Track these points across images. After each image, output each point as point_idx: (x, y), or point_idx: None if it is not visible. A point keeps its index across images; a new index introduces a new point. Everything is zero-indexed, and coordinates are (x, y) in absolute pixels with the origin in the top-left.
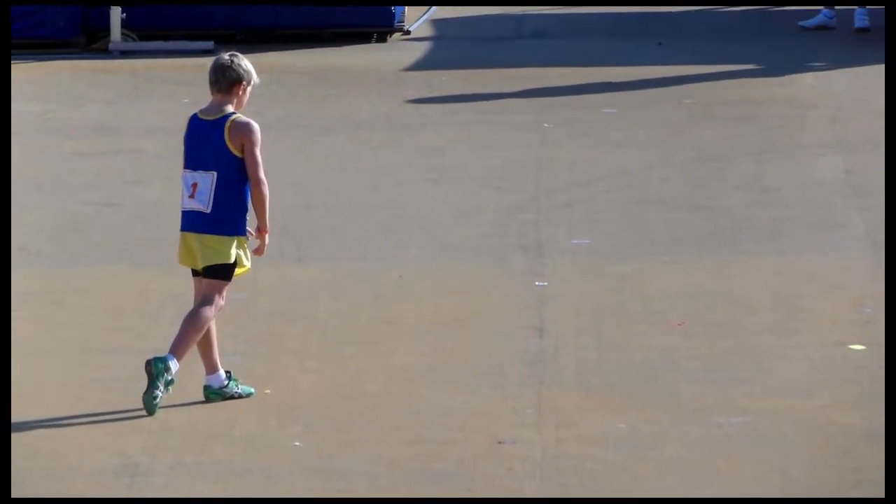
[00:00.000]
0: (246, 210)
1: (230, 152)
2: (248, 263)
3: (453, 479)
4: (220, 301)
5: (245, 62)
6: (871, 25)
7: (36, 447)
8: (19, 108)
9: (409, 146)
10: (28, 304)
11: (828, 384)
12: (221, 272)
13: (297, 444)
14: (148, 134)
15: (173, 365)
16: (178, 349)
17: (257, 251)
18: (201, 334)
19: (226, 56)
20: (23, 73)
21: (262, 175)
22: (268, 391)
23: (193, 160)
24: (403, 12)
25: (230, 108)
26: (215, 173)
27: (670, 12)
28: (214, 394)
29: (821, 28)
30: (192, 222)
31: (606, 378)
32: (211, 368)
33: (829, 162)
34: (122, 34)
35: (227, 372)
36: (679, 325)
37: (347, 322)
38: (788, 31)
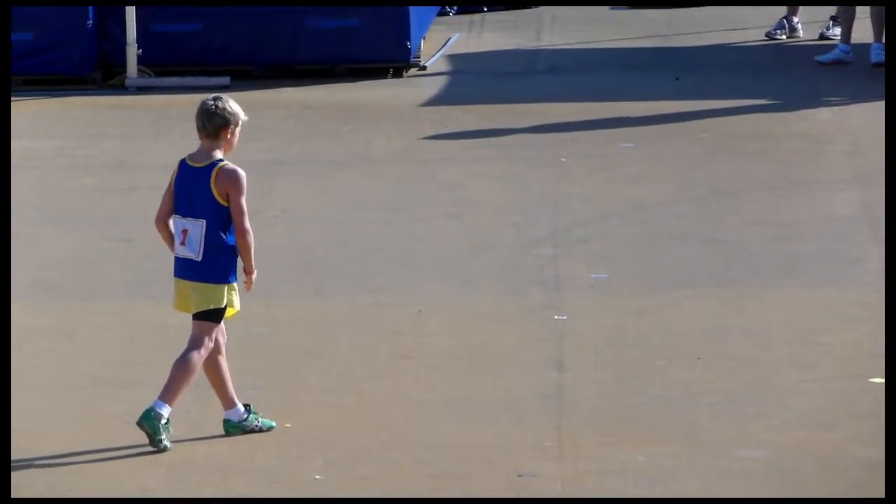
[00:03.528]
0: (236, 256)
1: (217, 201)
2: (237, 306)
3: None
4: (209, 343)
5: (231, 104)
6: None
7: (52, 482)
8: (36, 145)
9: (426, 181)
10: (44, 338)
11: (846, 417)
12: (212, 315)
13: (317, 477)
14: (165, 170)
15: (164, 412)
16: (167, 394)
17: (246, 285)
18: (192, 378)
19: (210, 100)
20: (39, 109)
21: (247, 224)
22: (288, 425)
23: (183, 207)
24: (419, 47)
25: (219, 154)
26: (204, 221)
27: (686, 47)
28: (234, 427)
29: (837, 63)
30: (185, 270)
31: (626, 412)
32: (228, 404)
33: (846, 196)
34: (139, 70)
35: (245, 405)
36: (698, 359)
37: (366, 357)
38: (805, 66)
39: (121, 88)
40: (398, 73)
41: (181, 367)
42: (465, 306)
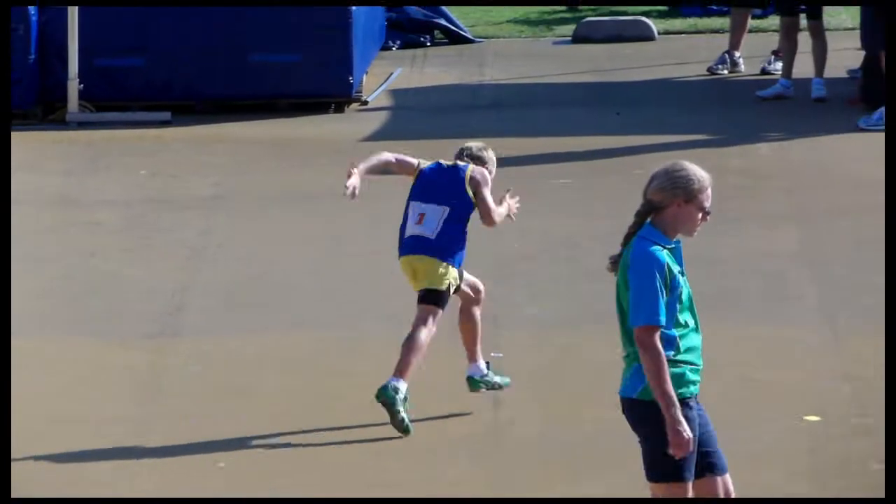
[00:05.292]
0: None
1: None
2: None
3: None
4: (432, 326)
5: None
6: (828, 95)
7: None
8: None
9: (367, 217)
10: None
11: (781, 455)
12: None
13: None
14: (106, 205)
15: (401, 385)
16: (401, 371)
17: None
18: (421, 355)
19: None
20: None
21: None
22: (221, 465)
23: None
24: (362, 82)
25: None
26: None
27: (628, 82)
28: (477, 383)
29: (778, 97)
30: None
31: (560, 449)
32: (472, 358)
33: (783, 233)
34: (80, 105)
35: (486, 363)
36: None
37: (300, 395)
38: (745, 101)
39: (61, 123)
40: (340, 108)
41: (408, 346)
42: (400, 344)
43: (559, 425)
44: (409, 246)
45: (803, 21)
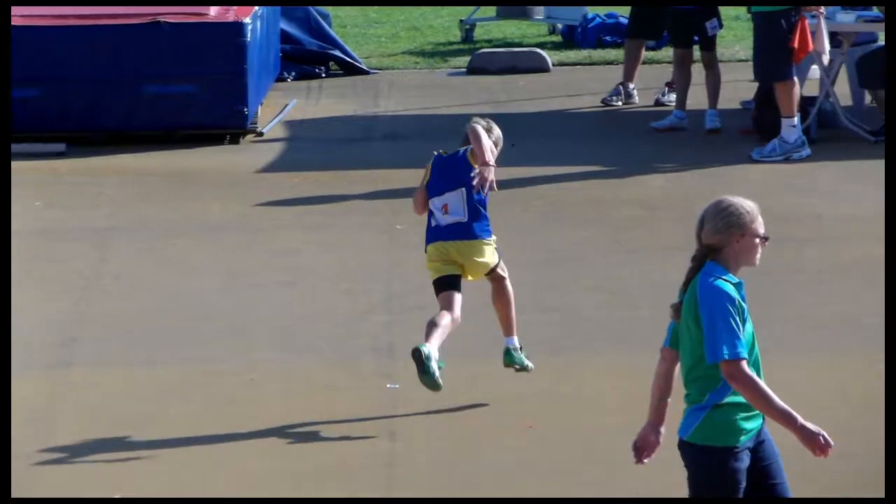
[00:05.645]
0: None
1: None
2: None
3: None
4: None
5: None
6: (722, 126)
7: None
8: None
9: (261, 248)
10: None
11: (681, 486)
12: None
13: None
14: None
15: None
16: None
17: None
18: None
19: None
20: None
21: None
22: (118, 496)
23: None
24: (256, 114)
25: None
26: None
27: (522, 113)
28: (511, 356)
29: (672, 129)
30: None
31: (458, 480)
32: (508, 331)
33: (678, 263)
34: None
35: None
36: (530, 427)
37: (197, 426)
38: (640, 132)
39: None
40: (235, 140)
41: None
42: (297, 375)
43: (457, 457)
44: (445, 232)
45: (697, 53)
